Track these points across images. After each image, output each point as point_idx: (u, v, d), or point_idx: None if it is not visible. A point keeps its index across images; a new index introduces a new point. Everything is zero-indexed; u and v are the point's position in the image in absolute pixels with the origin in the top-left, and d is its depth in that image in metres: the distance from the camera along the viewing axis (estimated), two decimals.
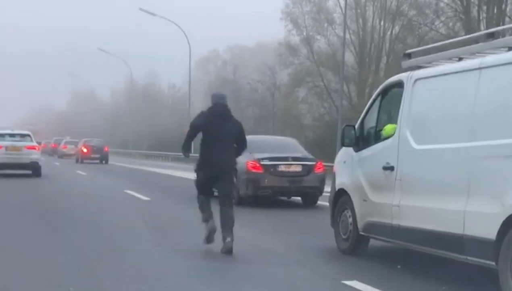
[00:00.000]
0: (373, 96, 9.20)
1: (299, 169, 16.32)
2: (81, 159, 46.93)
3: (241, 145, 9.60)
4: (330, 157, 33.80)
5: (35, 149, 26.21)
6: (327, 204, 15.78)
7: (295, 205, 17.09)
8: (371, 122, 9.11)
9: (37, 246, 9.93)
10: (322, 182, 16.63)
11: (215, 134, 9.21)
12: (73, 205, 16.28)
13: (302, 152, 17.17)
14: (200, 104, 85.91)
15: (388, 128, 8.51)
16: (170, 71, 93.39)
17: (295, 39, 51.99)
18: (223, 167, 9.27)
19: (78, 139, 53.10)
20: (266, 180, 15.97)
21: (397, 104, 8.41)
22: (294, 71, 51.57)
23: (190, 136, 9.50)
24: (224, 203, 9.30)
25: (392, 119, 8.58)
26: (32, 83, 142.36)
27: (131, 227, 12.35)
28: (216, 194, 9.75)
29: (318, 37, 51.42)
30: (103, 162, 45.94)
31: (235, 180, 9.57)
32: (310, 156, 16.99)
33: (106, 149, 48.13)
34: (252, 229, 12.31)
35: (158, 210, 15.57)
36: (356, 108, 40.60)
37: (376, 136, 8.86)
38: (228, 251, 8.96)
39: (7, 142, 25.96)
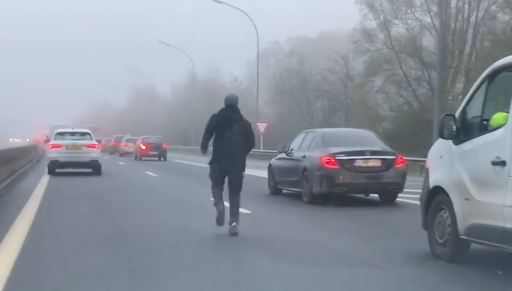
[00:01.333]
0: (478, 82, 8.19)
1: (378, 163, 15.45)
2: (139, 156, 47.27)
3: (248, 143, 10.73)
4: (411, 150, 32.92)
5: (95, 147, 26.44)
6: (407, 201, 15.52)
7: (371, 203, 16.36)
8: (474, 111, 8.13)
9: None
10: (403, 178, 15.79)
11: (224, 134, 10.44)
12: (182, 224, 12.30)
13: (380, 145, 16.31)
14: (264, 97, 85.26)
15: (497, 117, 7.54)
16: (231, 64, 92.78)
17: (371, 24, 50.23)
18: (232, 162, 10.51)
19: (138, 137, 53.03)
20: (342, 176, 15.15)
21: (508, 90, 7.50)
22: (370, 58, 49.72)
23: (207, 138, 10.73)
24: (232, 193, 10.62)
25: (502, 107, 7.65)
26: (91, 80, 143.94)
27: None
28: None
29: (396, 21, 49.63)
30: (161, 159, 45.77)
31: (243, 173, 10.74)
32: (389, 149, 16.11)
33: (164, 145, 48.19)
34: (328, 230, 11.80)
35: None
36: (442, 96, 38.72)
37: (481, 127, 7.88)
38: (233, 234, 10.30)
39: (67, 141, 26.31)
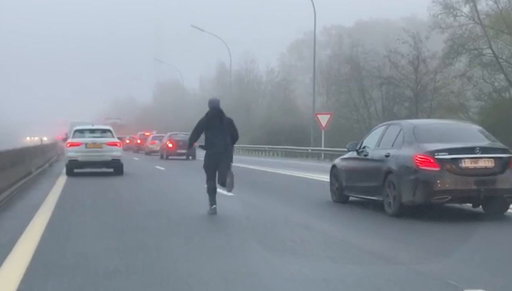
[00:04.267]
0: None
1: (490, 164, 12.29)
2: (166, 155, 44.71)
3: (233, 136, 13.24)
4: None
5: (116, 145, 25.84)
6: None
7: (471, 214, 13.20)
8: None
9: None
10: None
11: (213, 131, 13.03)
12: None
13: (490, 140, 13.21)
14: (302, 91, 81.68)
15: None
16: (263, 54, 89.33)
17: None
18: (221, 154, 12.99)
19: (164, 134, 49.99)
20: (444, 181, 12.09)
21: None
22: (452, 36, 44.90)
23: (196, 135, 13.36)
24: (221, 177, 13.06)
25: None
26: (115, 74, 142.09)
27: None
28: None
29: None
30: (189, 157, 42.52)
31: (231, 164, 13.18)
32: (502, 146, 13.00)
33: (194, 143, 44.67)
34: (431, 254, 9.05)
35: None
36: None
37: None
38: (212, 213, 12.81)
39: (87, 138, 25.82)
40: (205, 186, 13.26)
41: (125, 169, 26.06)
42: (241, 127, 58.70)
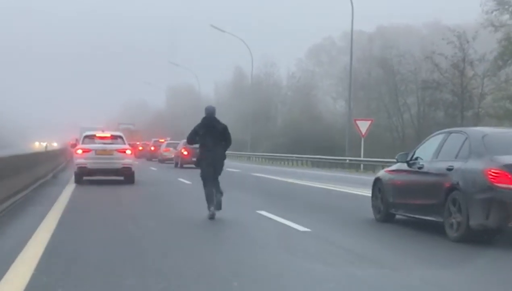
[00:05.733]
0: None
1: None
2: (181, 163, 42.12)
3: (226, 141, 14.13)
4: None
5: (127, 152, 25.03)
6: None
7: None
8: None
9: None
10: None
11: (207, 137, 13.97)
12: None
13: None
14: (321, 97, 78.42)
15: None
16: (280, 60, 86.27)
17: None
18: (215, 159, 13.98)
19: (179, 141, 47.00)
20: None
21: None
22: (506, 36, 41.20)
23: (192, 138, 14.25)
24: (216, 185, 13.91)
25: None
26: (128, 78, 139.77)
27: None
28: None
29: None
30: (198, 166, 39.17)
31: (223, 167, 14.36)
32: None
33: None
34: None
35: None
36: None
37: None
38: (211, 217, 13.51)
39: (96, 145, 25.29)
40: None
41: (144, 182, 24.87)
42: (259, 134, 54.20)
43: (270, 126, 70.00)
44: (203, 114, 13.98)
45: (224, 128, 14.08)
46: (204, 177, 13.98)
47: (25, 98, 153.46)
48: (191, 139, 14.26)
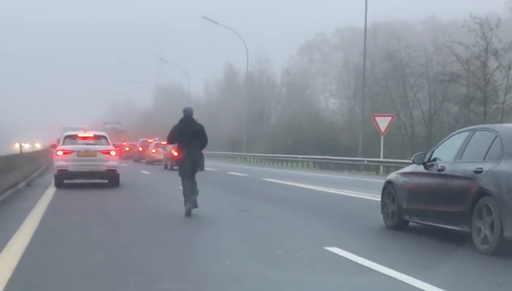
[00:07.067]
0: None
1: None
2: (170, 165, 39.54)
3: (202, 141, 15.06)
4: None
5: (112, 153, 24.02)
6: None
7: None
8: None
9: None
10: None
11: (185, 137, 14.82)
12: None
13: None
14: (320, 95, 75.31)
15: None
16: (272, 57, 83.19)
17: None
18: (192, 157, 14.87)
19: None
20: None
21: None
22: None
23: (172, 138, 15.14)
24: (192, 182, 14.78)
25: None
26: (114, 76, 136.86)
27: None
28: None
29: None
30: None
31: (202, 165, 15.61)
32: None
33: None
34: None
35: None
36: None
37: None
38: (187, 214, 14.19)
39: (79, 145, 24.25)
40: (181, 187, 14.91)
41: (141, 189, 23.16)
42: (253, 134, 50.54)
43: (264, 125, 66.90)
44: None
45: (201, 129, 15.05)
46: (181, 174, 14.98)
47: (7, 98, 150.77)
48: (170, 139, 15.27)
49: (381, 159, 36.35)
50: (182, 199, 14.69)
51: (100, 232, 11.92)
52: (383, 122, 37.03)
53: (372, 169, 36.56)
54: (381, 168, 35.69)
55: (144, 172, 37.03)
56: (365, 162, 37.98)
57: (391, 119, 38.53)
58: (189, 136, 14.72)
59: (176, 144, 15.24)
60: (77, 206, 16.97)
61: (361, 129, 41.10)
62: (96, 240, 11.04)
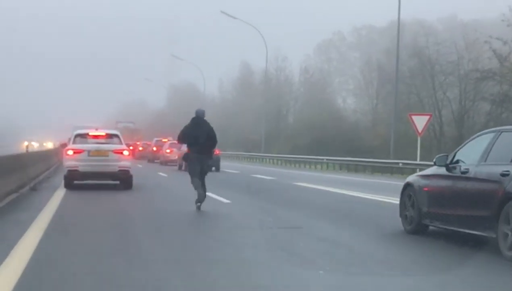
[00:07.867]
0: None
1: None
2: (185, 165, 37.13)
3: (212, 141, 15.63)
4: None
5: (124, 153, 23.32)
6: None
7: None
8: None
9: None
10: None
11: (195, 136, 15.49)
12: None
13: None
14: (336, 95, 73.34)
15: None
16: (291, 54, 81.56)
17: None
18: (202, 156, 15.44)
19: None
20: None
21: None
22: None
23: (183, 138, 15.80)
24: (202, 180, 15.48)
25: None
26: (127, 74, 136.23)
27: None
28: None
29: None
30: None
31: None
32: None
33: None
34: None
35: None
36: None
37: None
38: (198, 209, 15.10)
39: (90, 145, 23.57)
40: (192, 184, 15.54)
41: (162, 195, 21.86)
42: (270, 134, 48.57)
43: (281, 125, 65.04)
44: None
45: (210, 129, 15.71)
46: (191, 173, 15.63)
47: (19, 98, 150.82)
48: (180, 138, 15.96)
49: (418, 161, 33.83)
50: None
51: (117, 269, 8.38)
52: (420, 122, 34.64)
53: (407, 172, 33.23)
54: (418, 171, 32.69)
55: (161, 174, 34.84)
56: (400, 164, 35.69)
57: (428, 119, 36.24)
58: (198, 137, 15.42)
59: (182, 143, 16.25)
60: (86, 219, 14.03)
61: (392, 130, 38.94)
62: (108, 278, 7.84)
